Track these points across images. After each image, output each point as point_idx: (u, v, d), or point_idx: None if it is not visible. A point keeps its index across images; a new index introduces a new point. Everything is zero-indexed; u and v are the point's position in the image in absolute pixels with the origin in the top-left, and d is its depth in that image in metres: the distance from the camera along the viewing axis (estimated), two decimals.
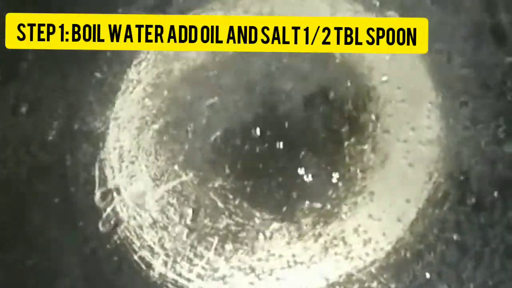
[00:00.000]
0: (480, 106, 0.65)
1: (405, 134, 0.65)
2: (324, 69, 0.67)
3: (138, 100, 0.68)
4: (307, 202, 0.64)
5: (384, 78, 0.66)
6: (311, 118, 0.66)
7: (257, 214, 0.64)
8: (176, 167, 0.66)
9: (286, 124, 0.66)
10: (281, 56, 0.68)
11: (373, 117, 0.65)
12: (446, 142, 0.64)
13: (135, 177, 0.66)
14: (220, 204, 0.65)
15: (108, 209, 0.65)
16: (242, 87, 0.67)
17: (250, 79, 0.68)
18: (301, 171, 0.65)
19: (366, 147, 0.65)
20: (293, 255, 0.63)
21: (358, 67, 0.67)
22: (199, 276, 0.63)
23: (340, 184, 0.64)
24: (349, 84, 0.66)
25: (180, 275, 0.63)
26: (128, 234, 0.65)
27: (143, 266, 0.64)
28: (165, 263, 0.64)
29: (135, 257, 0.64)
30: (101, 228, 0.65)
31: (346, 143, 0.65)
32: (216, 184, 0.65)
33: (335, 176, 0.64)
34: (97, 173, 0.66)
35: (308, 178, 0.65)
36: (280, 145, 0.66)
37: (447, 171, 0.63)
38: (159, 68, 0.68)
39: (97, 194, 0.66)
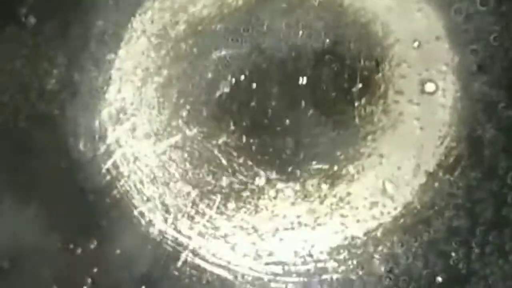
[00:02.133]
0: (497, 70, 0.61)
1: (417, 96, 0.62)
2: (337, 26, 0.63)
3: (142, 51, 0.65)
4: (314, 163, 0.62)
5: (398, 37, 0.63)
6: (321, 76, 0.63)
7: (262, 173, 0.62)
8: (179, 121, 0.63)
9: (296, 81, 0.63)
10: (292, 11, 0.64)
11: (385, 77, 0.62)
12: (460, 106, 0.62)
13: (136, 130, 0.64)
14: (223, 161, 0.62)
15: (109, 162, 0.63)
16: (249, 42, 0.64)
17: (258, 33, 0.64)
18: (308, 130, 0.62)
19: (377, 108, 0.62)
20: (298, 216, 0.61)
21: (371, 25, 0.63)
22: (200, 234, 0.62)
23: (348, 145, 0.61)
24: (361, 42, 0.63)
25: (180, 232, 0.62)
26: (128, 188, 0.62)
27: (143, 222, 0.62)
28: (166, 220, 0.62)
29: (135, 212, 0.62)
30: (100, 181, 0.62)
31: (356, 104, 0.62)
32: (220, 141, 0.63)
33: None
34: (97, 125, 0.63)
35: (316, 138, 0.62)
36: (288, 102, 0.63)
37: (459, 135, 0.61)
38: (164, 18, 0.65)
39: (97, 147, 0.63)
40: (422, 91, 0.63)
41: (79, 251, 0.62)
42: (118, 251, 0.62)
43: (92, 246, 0.62)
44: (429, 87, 0.63)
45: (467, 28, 0.63)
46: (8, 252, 0.61)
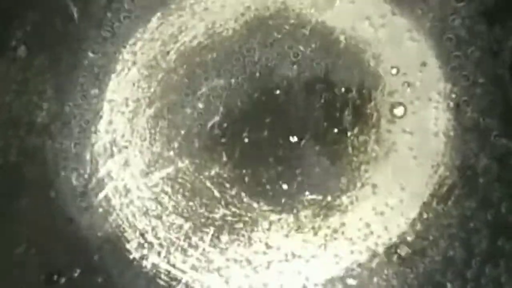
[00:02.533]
0: (489, 98, 0.61)
1: (410, 125, 0.62)
2: (328, 55, 0.63)
3: (133, 82, 0.65)
4: (307, 193, 0.61)
5: (390, 66, 0.63)
6: (313, 106, 0.62)
7: (255, 204, 0.61)
8: (171, 153, 0.63)
9: (287, 112, 0.63)
10: (283, 40, 0.64)
11: (377, 106, 0.62)
12: (452, 134, 0.61)
13: (128, 162, 0.63)
14: (216, 193, 0.62)
15: (100, 195, 0.62)
16: (241, 72, 0.64)
17: (250, 63, 0.64)
18: (301, 160, 0.62)
19: (370, 138, 0.61)
20: (292, 248, 0.61)
21: (362, 54, 0.63)
22: (193, 267, 0.61)
23: (342, 176, 0.61)
24: (352, 71, 0.63)
25: (174, 266, 0.61)
26: (120, 222, 0.62)
27: (136, 256, 0.61)
28: (158, 253, 0.61)
29: (127, 246, 0.61)
30: (92, 214, 0.62)
31: (349, 133, 0.62)
32: (213, 172, 0.62)
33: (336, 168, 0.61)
34: (88, 157, 0.63)
35: (309, 168, 0.62)
36: (281, 133, 0.62)
37: (453, 164, 0.60)
38: (155, 49, 0.65)
39: (88, 180, 0.62)
40: (415, 120, 0.62)
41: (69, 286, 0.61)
42: (110, 286, 0.61)
43: (84, 281, 0.61)
44: (422, 115, 0.62)
45: (458, 55, 0.63)
46: None
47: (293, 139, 0.63)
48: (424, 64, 0.63)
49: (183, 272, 0.61)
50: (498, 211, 0.59)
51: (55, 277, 0.60)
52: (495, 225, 0.59)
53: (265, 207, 0.62)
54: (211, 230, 0.62)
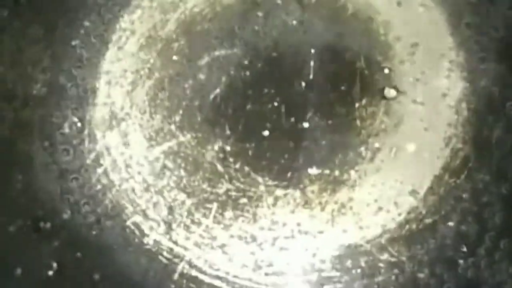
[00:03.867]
0: (504, 67, 0.59)
1: (421, 95, 0.59)
2: (335, 23, 0.61)
3: (131, 53, 0.62)
4: (313, 168, 0.59)
5: (400, 34, 0.60)
6: (319, 77, 0.60)
7: (260, 179, 0.59)
8: (172, 126, 0.61)
9: (293, 82, 0.60)
10: (288, 8, 0.61)
11: (387, 76, 0.60)
12: (465, 105, 0.59)
13: (127, 136, 0.61)
14: (219, 168, 0.60)
15: (99, 171, 0.60)
16: (244, 41, 0.61)
17: (253, 32, 0.61)
18: (307, 133, 0.60)
19: (378, 109, 0.59)
20: (298, 224, 0.59)
21: (372, 21, 0.61)
22: (196, 244, 0.59)
23: (349, 149, 0.59)
24: (361, 40, 0.60)
25: (176, 243, 0.59)
26: (120, 198, 0.60)
27: (137, 232, 0.59)
28: (160, 230, 0.59)
29: (128, 223, 0.59)
30: (91, 190, 0.60)
31: (357, 105, 0.59)
32: (216, 146, 0.60)
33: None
34: (86, 131, 0.60)
35: (315, 142, 0.59)
36: (286, 105, 0.60)
37: (466, 136, 0.58)
38: (154, 17, 0.62)
39: (86, 154, 0.60)
40: (426, 90, 0.60)
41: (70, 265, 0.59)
42: (110, 263, 0.59)
43: (84, 260, 0.59)
44: (433, 85, 0.60)
45: (472, 23, 0.61)
46: None
47: (299, 111, 0.60)
48: (435, 31, 0.61)
49: (186, 249, 0.59)
50: None
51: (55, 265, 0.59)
52: (510, 199, 0.57)
53: (270, 182, 0.60)
54: (215, 205, 0.60)
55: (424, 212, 0.58)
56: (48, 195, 0.59)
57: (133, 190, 0.61)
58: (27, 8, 0.61)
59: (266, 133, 0.61)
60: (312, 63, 0.61)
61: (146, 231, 0.60)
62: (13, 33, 0.61)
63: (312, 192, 0.60)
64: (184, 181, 0.61)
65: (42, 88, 0.61)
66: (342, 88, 0.61)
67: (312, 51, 0.61)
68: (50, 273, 0.58)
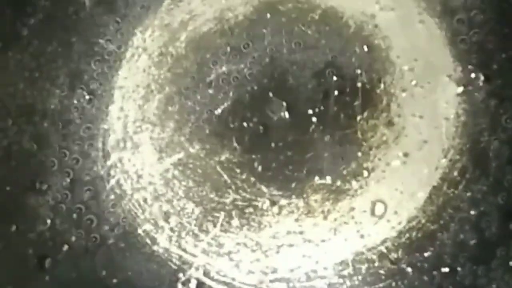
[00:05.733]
0: (500, 81, 0.61)
1: (420, 109, 0.62)
2: (338, 40, 0.64)
3: (143, 69, 0.66)
4: (316, 178, 0.62)
5: (400, 49, 0.63)
6: (322, 91, 0.63)
7: (265, 189, 0.63)
8: (182, 139, 0.64)
9: (297, 96, 0.63)
10: (293, 25, 0.65)
11: (387, 90, 0.62)
12: (463, 118, 0.62)
13: (139, 148, 0.64)
14: (226, 178, 0.63)
15: (112, 181, 0.64)
16: (250, 57, 0.64)
17: (260, 49, 0.65)
18: (311, 145, 0.63)
19: (379, 122, 0.62)
20: (301, 232, 0.62)
21: (372, 38, 0.64)
22: (204, 251, 0.62)
23: (351, 160, 0.62)
24: (362, 56, 0.63)
25: (185, 250, 0.62)
26: (132, 207, 0.63)
27: (147, 240, 0.62)
28: (170, 238, 0.62)
29: (139, 231, 0.63)
30: (104, 199, 0.63)
31: (359, 118, 0.62)
32: (223, 158, 0.63)
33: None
34: (100, 144, 0.64)
35: (319, 153, 0.62)
36: (290, 117, 0.63)
37: (463, 148, 0.61)
38: (165, 35, 0.66)
39: (101, 165, 0.64)
40: (425, 104, 0.63)
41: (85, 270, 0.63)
42: (123, 270, 0.62)
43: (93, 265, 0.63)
44: (432, 99, 0.63)
45: (469, 38, 0.63)
46: None
47: (303, 124, 0.64)
48: (434, 47, 0.63)
49: (194, 256, 0.63)
50: (509, 194, 0.60)
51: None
52: (506, 208, 0.59)
53: (275, 192, 0.63)
54: (222, 214, 0.63)
55: (423, 221, 0.61)
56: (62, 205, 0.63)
57: (144, 199, 0.64)
58: (46, 28, 0.66)
59: (271, 145, 0.64)
60: (315, 77, 0.64)
61: (157, 239, 0.63)
62: (32, 51, 0.65)
63: (315, 201, 0.63)
64: (193, 191, 0.64)
65: (59, 103, 0.66)
66: (345, 102, 0.64)
67: (316, 66, 0.65)
68: None
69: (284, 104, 0.64)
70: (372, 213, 0.62)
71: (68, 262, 0.62)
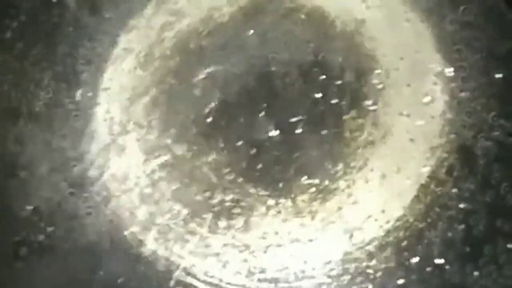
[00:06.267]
0: (487, 79, 0.62)
1: (407, 107, 0.62)
2: (324, 39, 0.64)
3: (129, 70, 0.66)
4: (304, 178, 0.62)
5: (386, 48, 0.63)
6: (309, 90, 0.63)
7: (252, 189, 0.63)
8: (168, 140, 0.64)
9: (284, 96, 0.63)
10: (279, 25, 0.65)
11: (373, 89, 0.63)
12: (450, 116, 0.62)
13: (125, 150, 0.64)
14: (213, 179, 0.63)
15: (98, 184, 0.64)
16: (237, 57, 0.64)
17: (246, 49, 0.65)
18: (298, 145, 0.63)
19: (366, 121, 0.62)
20: (289, 232, 0.62)
21: (358, 36, 0.64)
22: (191, 252, 0.62)
23: (338, 159, 0.62)
24: (349, 54, 0.63)
25: (172, 251, 0.62)
26: (118, 209, 0.63)
27: (134, 242, 0.62)
28: (157, 240, 0.62)
29: (126, 233, 0.62)
30: (90, 202, 0.63)
31: (345, 117, 0.62)
32: (210, 158, 0.63)
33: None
34: (86, 146, 0.64)
35: (306, 153, 0.62)
36: (277, 117, 0.63)
37: (451, 146, 0.61)
38: (151, 37, 0.66)
39: (86, 168, 0.64)
40: (412, 102, 0.63)
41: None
42: (109, 272, 0.62)
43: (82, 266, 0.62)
44: (418, 98, 0.63)
45: (456, 37, 0.63)
46: None
47: (290, 123, 0.64)
48: (420, 45, 0.64)
49: (182, 257, 0.62)
50: (497, 192, 0.60)
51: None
52: (494, 207, 0.60)
53: (262, 192, 0.63)
54: (209, 216, 0.63)
55: (411, 220, 0.61)
56: (47, 206, 0.63)
57: (131, 201, 0.64)
58: (30, 30, 0.65)
59: (258, 145, 0.64)
60: (302, 78, 0.64)
61: (143, 241, 0.63)
62: (16, 54, 0.65)
63: (303, 201, 0.62)
64: (180, 192, 0.64)
65: (44, 106, 0.65)
66: (331, 101, 0.64)
67: (302, 66, 0.65)
68: None
69: (271, 104, 0.64)
70: (360, 212, 0.62)
71: (53, 263, 0.62)
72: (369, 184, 0.62)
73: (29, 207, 0.62)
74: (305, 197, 0.63)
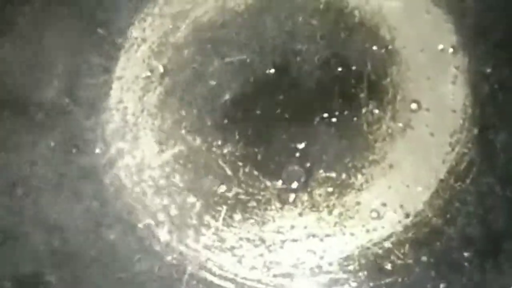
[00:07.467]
0: (508, 71, 0.61)
1: (427, 101, 0.62)
2: (343, 30, 0.63)
3: (143, 59, 0.65)
4: (321, 171, 0.61)
5: (406, 40, 0.63)
6: (327, 82, 0.62)
7: (268, 183, 0.62)
8: (182, 131, 0.63)
9: (301, 88, 0.63)
10: (296, 15, 0.64)
11: (393, 82, 0.62)
12: (470, 110, 0.61)
13: (139, 141, 0.63)
14: (229, 172, 0.62)
15: (111, 174, 0.63)
16: (253, 48, 0.64)
17: (262, 39, 0.64)
18: (315, 138, 0.62)
19: (385, 114, 0.61)
20: (305, 227, 0.61)
21: (378, 28, 0.63)
22: (206, 246, 0.62)
23: (356, 153, 0.61)
24: (368, 46, 0.63)
25: (186, 245, 0.61)
26: (131, 201, 0.62)
27: (148, 235, 0.62)
28: (171, 232, 0.62)
29: (139, 226, 0.62)
30: (103, 193, 0.62)
31: (364, 110, 0.62)
32: (225, 150, 0.63)
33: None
34: (99, 136, 0.63)
35: (323, 146, 0.62)
36: (294, 109, 0.63)
37: (471, 140, 0.60)
38: (165, 25, 0.65)
39: (98, 158, 0.63)
40: (432, 96, 0.62)
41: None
42: (122, 265, 0.62)
43: (95, 260, 0.62)
44: (439, 91, 0.62)
45: (477, 27, 0.63)
46: None
47: (307, 116, 0.63)
48: (441, 37, 0.63)
49: (196, 251, 0.62)
50: None
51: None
52: None
53: (279, 185, 0.62)
54: (224, 208, 0.62)
55: (430, 215, 0.60)
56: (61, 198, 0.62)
57: (144, 193, 0.63)
58: (43, 16, 0.64)
59: (274, 137, 0.63)
60: (319, 68, 0.64)
61: (157, 234, 0.62)
62: (28, 41, 0.64)
63: (320, 195, 0.62)
64: (194, 184, 0.63)
65: (56, 94, 0.64)
66: (350, 93, 0.63)
67: (320, 57, 0.64)
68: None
69: (288, 95, 0.63)
70: (378, 207, 0.61)
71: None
72: (387, 179, 0.62)
73: None
74: (321, 191, 0.62)
